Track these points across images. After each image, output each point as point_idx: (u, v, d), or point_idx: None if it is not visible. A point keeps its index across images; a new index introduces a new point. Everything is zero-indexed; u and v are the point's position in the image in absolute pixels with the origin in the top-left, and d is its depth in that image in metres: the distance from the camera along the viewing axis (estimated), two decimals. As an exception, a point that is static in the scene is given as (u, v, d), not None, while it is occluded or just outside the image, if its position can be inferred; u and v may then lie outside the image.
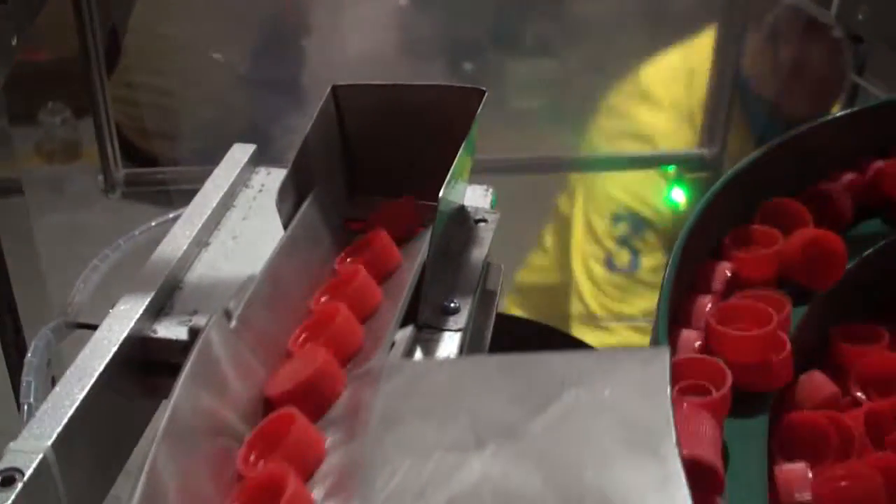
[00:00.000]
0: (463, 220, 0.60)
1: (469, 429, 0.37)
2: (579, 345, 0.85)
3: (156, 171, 1.19)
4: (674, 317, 0.56)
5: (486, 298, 0.60)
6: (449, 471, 0.35)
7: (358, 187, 0.61)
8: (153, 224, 0.62)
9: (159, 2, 1.68)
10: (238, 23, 1.65)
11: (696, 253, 0.58)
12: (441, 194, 0.48)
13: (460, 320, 0.52)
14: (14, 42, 0.66)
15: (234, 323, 0.42)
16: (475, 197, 0.64)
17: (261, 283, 0.45)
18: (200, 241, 0.58)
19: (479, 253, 0.58)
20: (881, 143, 0.68)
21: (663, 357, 0.38)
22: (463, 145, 0.52)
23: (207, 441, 0.36)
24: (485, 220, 0.61)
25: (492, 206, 0.64)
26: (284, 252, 0.48)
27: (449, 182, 0.49)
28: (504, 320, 0.64)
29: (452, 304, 0.53)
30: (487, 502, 0.34)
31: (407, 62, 1.89)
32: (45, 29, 0.97)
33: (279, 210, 0.50)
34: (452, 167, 0.50)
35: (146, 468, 0.32)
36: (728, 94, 1.23)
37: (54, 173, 1.99)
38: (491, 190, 0.65)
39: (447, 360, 0.47)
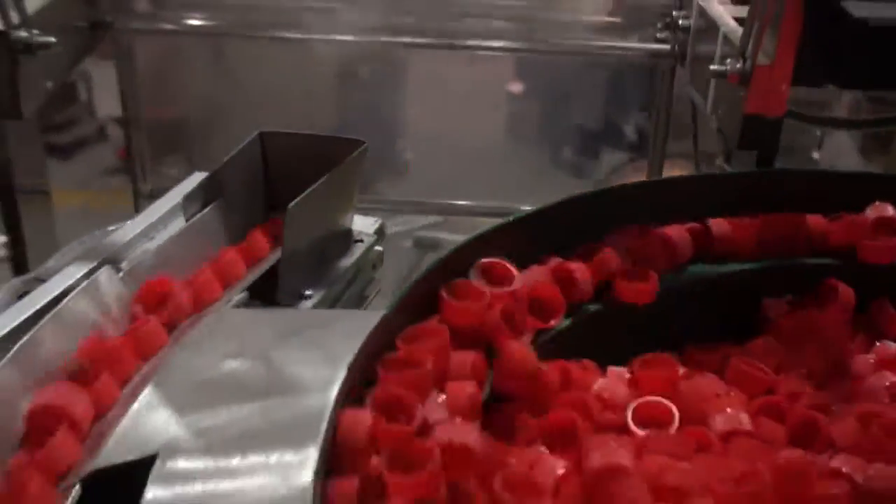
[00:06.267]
0: (345, 237, 0.80)
1: (237, 346, 0.56)
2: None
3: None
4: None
5: (355, 300, 0.79)
6: (214, 365, 0.55)
7: (277, 205, 0.80)
8: (128, 223, 0.83)
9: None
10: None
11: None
12: (288, 209, 0.68)
13: (308, 304, 0.71)
14: (49, 85, 0.89)
15: (121, 274, 0.63)
16: (365, 224, 0.83)
17: (150, 253, 0.66)
18: (146, 234, 0.78)
19: (346, 261, 0.78)
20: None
21: (377, 317, 0.57)
22: (323, 179, 0.72)
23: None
24: (361, 241, 0.80)
25: (377, 233, 0.83)
26: (177, 235, 0.69)
27: (298, 202, 0.69)
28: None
29: (307, 293, 0.72)
30: (230, 380, 0.53)
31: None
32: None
33: (184, 207, 0.71)
34: (304, 193, 0.70)
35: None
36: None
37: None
38: (380, 221, 0.84)
39: (252, 310, 0.66)
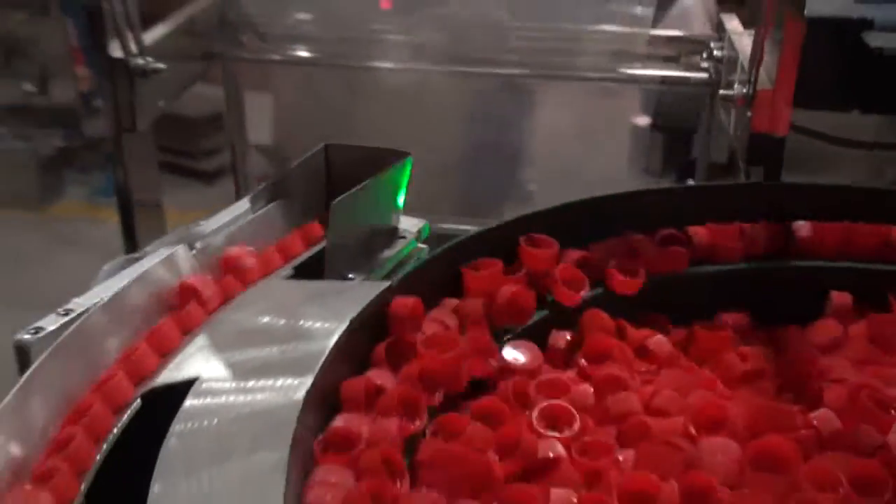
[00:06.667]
0: (390, 233, 0.94)
1: (271, 306, 0.71)
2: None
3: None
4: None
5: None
6: (251, 319, 0.70)
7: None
8: (211, 218, 0.99)
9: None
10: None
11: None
12: (332, 204, 0.83)
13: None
14: (161, 104, 1.08)
15: (194, 251, 0.79)
16: (410, 224, 0.97)
17: (219, 237, 0.82)
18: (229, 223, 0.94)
19: (388, 253, 0.92)
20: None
21: (380, 287, 0.71)
22: (365, 182, 0.86)
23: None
24: (404, 237, 0.94)
25: (422, 232, 0.97)
26: (243, 225, 0.85)
27: (341, 199, 0.83)
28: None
29: (350, 276, 0.87)
30: (260, 330, 0.68)
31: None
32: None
33: (251, 203, 0.87)
34: (347, 193, 0.84)
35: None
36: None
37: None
38: (423, 222, 0.98)
39: (290, 281, 0.81)
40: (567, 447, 0.68)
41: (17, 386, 0.60)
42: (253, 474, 0.53)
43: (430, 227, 0.97)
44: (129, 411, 0.63)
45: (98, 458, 0.60)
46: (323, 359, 0.62)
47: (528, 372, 0.76)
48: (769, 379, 0.80)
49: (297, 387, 0.60)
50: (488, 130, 2.17)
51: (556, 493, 0.63)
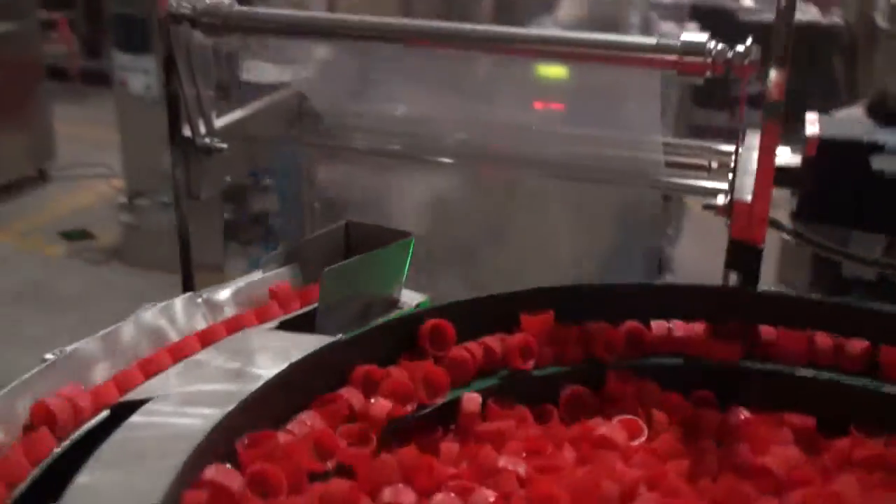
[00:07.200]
0: (389, 303, 1.06)
1: (235, 351, 0.84)
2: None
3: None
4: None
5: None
6: (216, 360, 0.83)
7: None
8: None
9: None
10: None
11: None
12: (323, 272, 0.95)
13: (339, 345, 0.97)
14: (227, 178, 1.24)
15: (199, 301, 0.93)
16: (411, 297, 1.08)
17: (227, 291, 0.96)
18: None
19: (382, 320, 1.03)
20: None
21: (331, 339, 0.82)
22: (360, 256, 0.98)
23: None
24: (401, 308, 1.05)
25: (420, 306, 1.07)
26: (251, 282, 0.98)
27: (332, 269, 0.96)
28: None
29: (341, 336, 0.98)
30: (218, 371, 0.81)
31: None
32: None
33: (263, 265, 1.01)
34: (340, 263, 0.97)
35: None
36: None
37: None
38: (426, 297, 1.09)
39: (265, 331, 0.93)
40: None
41: (6, 389, 0.75)
42: (153, 472, 0.66)
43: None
44: (97, 419, 0.77)
45: (58, 450, 0.74)
46: (243, 398, 0.74)
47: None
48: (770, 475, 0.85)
49: (215, 416, 0.72)
50: (631, 236, 2.19)
51: (481, 491, 0.75)
